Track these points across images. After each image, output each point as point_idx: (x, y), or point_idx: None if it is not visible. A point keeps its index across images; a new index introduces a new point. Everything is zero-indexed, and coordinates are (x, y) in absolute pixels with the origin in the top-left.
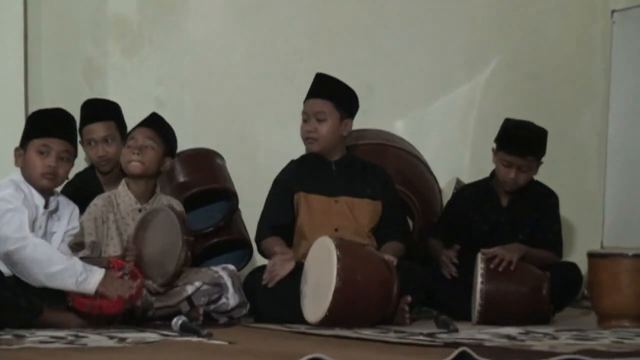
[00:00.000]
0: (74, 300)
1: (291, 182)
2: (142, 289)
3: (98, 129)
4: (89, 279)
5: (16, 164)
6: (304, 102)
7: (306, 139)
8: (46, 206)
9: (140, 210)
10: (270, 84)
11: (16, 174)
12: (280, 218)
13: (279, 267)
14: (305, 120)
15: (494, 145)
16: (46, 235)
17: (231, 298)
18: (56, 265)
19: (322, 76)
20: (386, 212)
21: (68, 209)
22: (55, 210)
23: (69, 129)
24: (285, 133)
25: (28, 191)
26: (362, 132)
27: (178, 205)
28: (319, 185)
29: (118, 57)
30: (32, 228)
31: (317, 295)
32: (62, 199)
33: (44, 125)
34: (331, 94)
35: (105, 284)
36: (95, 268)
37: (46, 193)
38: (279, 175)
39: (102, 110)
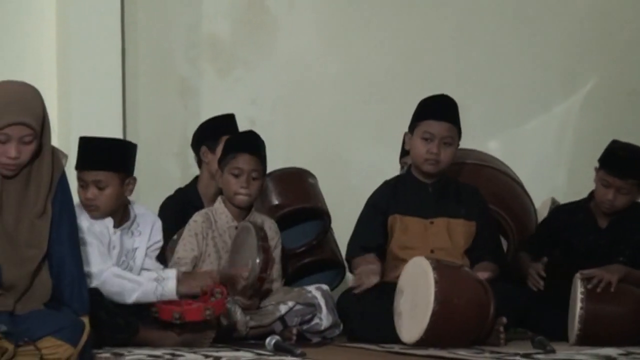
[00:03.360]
0: (158, 312)
1: (385, 204)
2: (226, 304)
3: None
4: (165, 290)
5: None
6: (423, 121)
7: (426, 160)
8: (117, 224)
9: (236, 228)
10: (361, 104)
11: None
12: (372, 239)
13: (365, 276)
14: (427, 140)
15: (597, 165)
16: (122, 254)
17: (324, 318)
18: (132, 294)
19: (449, 99)
20: (480, 232)
21: (149, 222)
22: (131, 225)
23: (105, 159)
24: (377, 152)
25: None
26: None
27: (272, 224)
28: (415, 208)
29: (212, 76)
30: (108, 250)
31: (413, 316)
32: (142, 212)
33: (83, 156)
34: (456, 118)
35: (184, 284)
36: (166, 275)
37: (113, 214)
38: (373, 196)
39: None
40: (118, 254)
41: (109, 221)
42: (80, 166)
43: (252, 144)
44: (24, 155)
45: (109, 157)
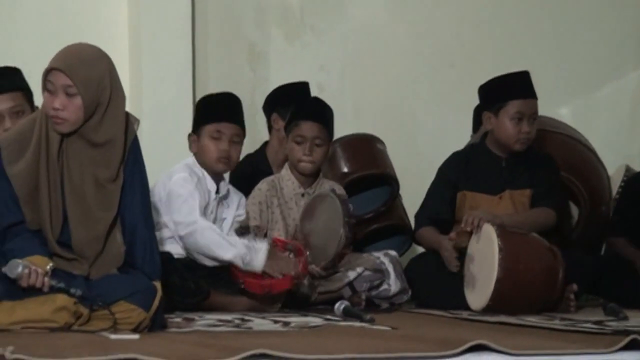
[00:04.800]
0: (245, 284)
1: (455, 178)
2: (308, 264)
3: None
4: (254, 261)
5: (191, 149)
6: (510, 101)
7: (518, 140)
8: (218, 191)
9: (303, 195)
10: (430, 69)
11: (190, 159)
12: (440, 212)
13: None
14: (519, 119)
15: None
16: (216, 221)
17: (393, 284)
18: (222, 250)
19: (529, 75)
20: (543, 183)
21: (237, 196)
22: (226, 196)
23: (238, 112)
24: (445, 118)
25: (202, 175)
26: None
27: (340, 190)
28: (485, 183)
29: (281, 42)
30: (204, 213)
31: (480, 283)
32: (231, 188)
33: (216, 110)
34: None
35: (269, 263)
36: (258, 247)
37: (218, 178)
38: (443, 168)
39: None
40: (213, 221)
41: (213, 186)
42: (226, 119)
43: (316, 111)
44: (69, 110)
45: (241, 113)
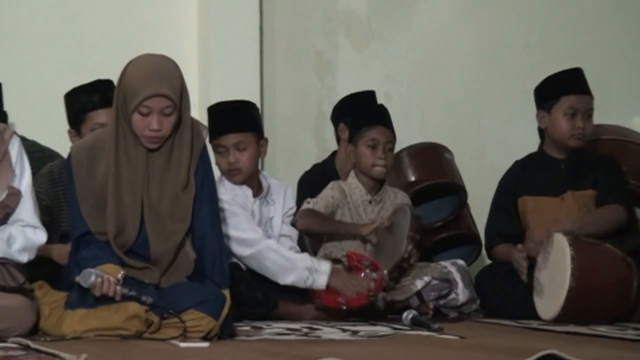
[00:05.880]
0: (322, 299)
1: (514, 187)
2: (384, 280)
3: None
4: (316, 282)
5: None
6: (563, 97)
7: (573, 135)
8: (255, 194)
9: (370, 202)
10: (498, 78)
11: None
12: (508, 226)
13: (521, 263)
14: (572, 115)
15: None
16: (262, 222)
17: (461, 293)
18: (283, 275)
19: (582, 71)
20: (607, 182)
21: (281, 190)
22: (267, 195)
23: (238, 119)
24: (514, 127)
25: (231, 187)
26: (598, 128)
27: (405, 197)
28: (545, 185)
29: (348, 51)
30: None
31: (551, 292)
32: (273, 182)
33: (214, 125)
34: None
35: (334, 281)
36: (321, 267)
37: (251, 182)
38: (502, 180)
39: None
40: (257, 223)
41: (248, 191)
42: (217, 132)
43: (385, 116)
44: (165, 127)
45: (244, 117)
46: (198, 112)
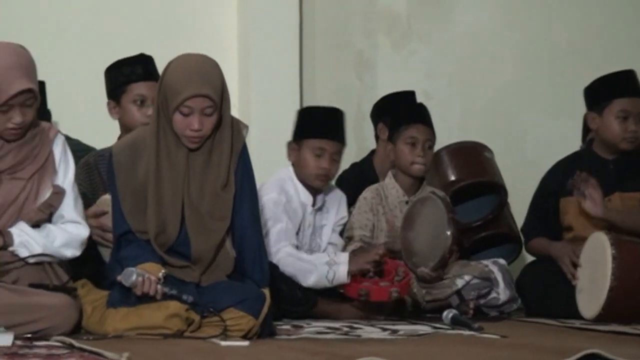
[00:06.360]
0: (345, 290)
1: (557, 187)
2: (410, 286)
3: None
4: (337, 275)
5: (289, 158)
6: (615, 99)
7: (624, 139)
8: (314, 204)
9: (407, 202)
10: (539, 77)
11: (285, 170)
12: (545, 226)
13: (569, 260)
14: (624, 118)
15: None
16: (315, 231)
17: (502, 292)
18: (304, 277)
19: (635, 73)
20: None
21: (335, 199)
22: (323, 204)
23: (342, 129)
24: (554, 126)
25: (294, 191)
26: None
27: (445, 198)
28: None
29: (388, 50)
30: (299, 228)
31: (592, 291)
32: (329, 190)
33: (321, 125)
34: None
35: (352, 262)
36: (339, 258)
37: (315, 191)
38: (545, 177)
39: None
40: (311, 233)
41: (309, 200)
42: (325, 135)
43: (425, 114)
44: (206, 127)
45: (345, 130)
46: (238, 111)
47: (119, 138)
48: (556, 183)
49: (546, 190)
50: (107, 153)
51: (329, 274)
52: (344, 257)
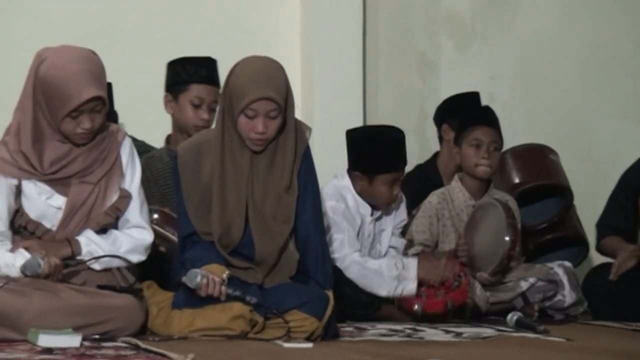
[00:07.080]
0: (400, 301)
1: (637, 182)
2: (468, 292)
3: None
4: (405, 290)
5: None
6: None
7: None
8: (372, 213)
9: (473, 207)
10: (604, 79)
11: (342, 179)
12: (622, 221)
13: (623, 261)
14: None
15: None
16: (375, 239)
17: (567, 295)
18: (375, 288)
19: None
20: None
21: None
22: (381, 213)
23: (403, 159)
24: (620, 128)
25: (353, 202)
26: None
27: (511, 202)
28: None
29: (451, 52)
30: (358, 235)
31: None
32: None
33: (390, 160)
34: None
35: (423, 269)
36: (408, 273)
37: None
38: (625, 174)
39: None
40: (372, 241)
41: (367, 209)
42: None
43: (490, 116)
44: (270, 130)
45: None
46: (301, 113)
47: (169, 136)
48: (635, 180)
49: (625, 185)
50: (157, 154)
51: (397, 289)
52: (413, 272)
